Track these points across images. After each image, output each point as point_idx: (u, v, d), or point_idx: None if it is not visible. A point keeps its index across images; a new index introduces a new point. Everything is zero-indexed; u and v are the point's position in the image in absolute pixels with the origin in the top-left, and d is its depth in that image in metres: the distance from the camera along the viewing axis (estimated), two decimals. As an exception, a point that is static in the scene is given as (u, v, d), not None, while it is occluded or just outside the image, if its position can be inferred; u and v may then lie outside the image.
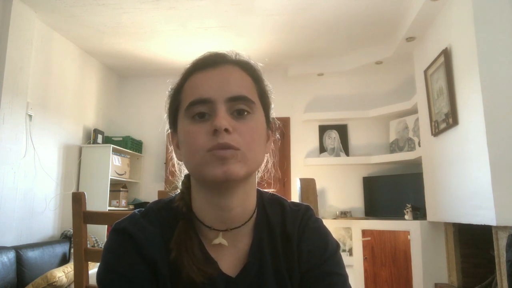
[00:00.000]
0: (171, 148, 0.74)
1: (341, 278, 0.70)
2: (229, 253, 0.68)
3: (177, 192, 0.74)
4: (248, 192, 0.69)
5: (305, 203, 0.77)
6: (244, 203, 0.68)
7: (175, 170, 0.77)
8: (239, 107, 0.65)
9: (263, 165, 0.73)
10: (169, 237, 0.66)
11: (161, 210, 0.70)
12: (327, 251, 0.71)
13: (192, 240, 0.66)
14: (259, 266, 0.68)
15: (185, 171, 0.75)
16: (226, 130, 0.61)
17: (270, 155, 0.75)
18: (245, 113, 0.65)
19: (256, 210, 0.72)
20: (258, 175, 0.74)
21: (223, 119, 0.62)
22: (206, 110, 0.64)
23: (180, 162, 0.73)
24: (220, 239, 0.67)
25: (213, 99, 0.64)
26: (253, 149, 0.65)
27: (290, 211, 0.75)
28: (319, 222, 0.76)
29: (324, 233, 0.74)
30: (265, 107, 0.71)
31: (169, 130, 0.74)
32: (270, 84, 0.74)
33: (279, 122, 0.78)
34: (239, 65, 0.69)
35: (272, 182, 0.80)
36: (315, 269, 0.69)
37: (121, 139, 4.16)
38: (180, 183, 0.74)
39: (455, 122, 2.58)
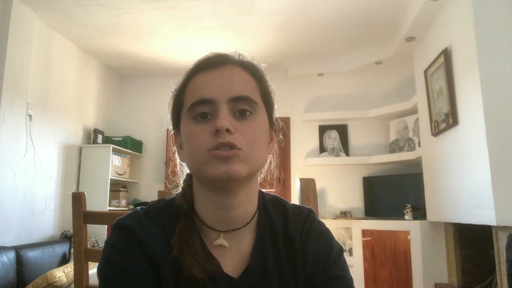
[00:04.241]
0: (174, 148, 0.73)
1: (347, 282, 0.70)
2: (231, 255, 0.68)
3: (178, 191, 0.74)
4: (250, 193, 0.69)
5: (306, 206, 0.77)
6: (246, 204, 0.68)
7: (177, 171, 0.77)
8: (241, 108, 0.64)
9: (265, 166, 0.73)
10: (171, 235, 0.66)
11: (162, 208, 0.70)
12: (332, 255, 0.71)
13: (193, 237, 0.65)
14: (261, 268, 0.68)
15: (187, 172, 0.74)
16: (227, 130, 0.61)
17: (273, 156, 0.74)
18: (248, 113, 0.65)
19: (257, 211, 0.71)
20: (260, 176, 0.73)
21: (225, 119, 0.61)
22: (208, 111, 0.64)
23: (182, 163, 0.73)
24: (221, 240, 0.67)
25: (215, 99, 0.63)
26: (256, 149, 0.64)
27: (293, 214, 0.74)
28: (322, 226, 0.76)
29: (328, 236, 0.74)
30: (268, 108, 0.71)
31: (173, 131, 0.73)
32: (273, 85, 0.74)
33: (282, 123, 0.78)
34: (241, 66, 0.69)
35: (275, 183, 0.80)
36: (321, 274, 0.69)
37: (121, 139, 4.16)
38: (182, 182, 0.74)
39: (455, 122, 2.58)
